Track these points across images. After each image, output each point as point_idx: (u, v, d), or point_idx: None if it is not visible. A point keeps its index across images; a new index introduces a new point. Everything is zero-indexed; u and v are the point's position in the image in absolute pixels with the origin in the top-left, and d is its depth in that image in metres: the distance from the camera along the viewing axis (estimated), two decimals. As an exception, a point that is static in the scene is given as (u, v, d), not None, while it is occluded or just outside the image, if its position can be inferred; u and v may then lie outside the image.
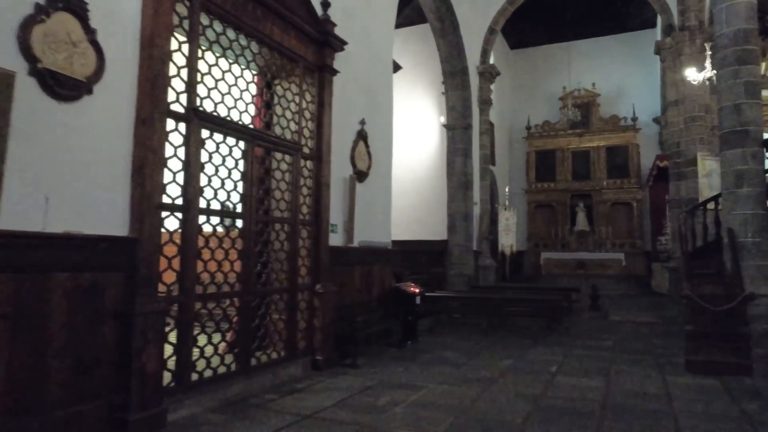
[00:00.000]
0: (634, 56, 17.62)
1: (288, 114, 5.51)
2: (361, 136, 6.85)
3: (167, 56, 3.91)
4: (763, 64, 11.95)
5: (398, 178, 13.14)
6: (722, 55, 6.51)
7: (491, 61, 13.31)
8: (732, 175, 6.31)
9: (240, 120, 4.86)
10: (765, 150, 6.29)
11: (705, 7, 10.21)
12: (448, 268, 11.88)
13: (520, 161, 18.66)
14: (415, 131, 13.14)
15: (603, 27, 17.31)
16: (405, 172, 13.09)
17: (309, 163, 5.77)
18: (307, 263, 5.66)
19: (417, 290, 7.52)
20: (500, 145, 17.50)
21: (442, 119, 12.56)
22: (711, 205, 7.78)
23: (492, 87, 13.27)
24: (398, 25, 13.53)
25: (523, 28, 17.45)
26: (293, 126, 5.57)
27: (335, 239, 6.24)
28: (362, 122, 6.89)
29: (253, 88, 5.31)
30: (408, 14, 13.07)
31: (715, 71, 9.03)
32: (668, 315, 10.13)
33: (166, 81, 3.89)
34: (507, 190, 14.46)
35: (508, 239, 13.19)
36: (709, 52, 8.94)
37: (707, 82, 10.06)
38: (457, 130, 12.17)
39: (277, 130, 5.44)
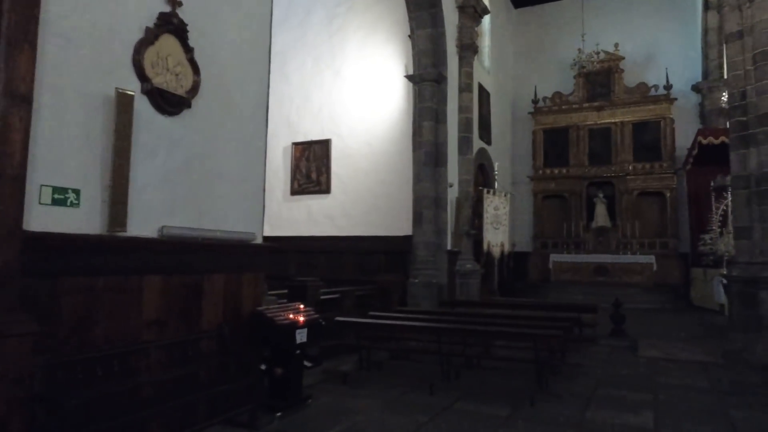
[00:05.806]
0: (666, 10, 14.22)
1: None
2: (170, 25, 3.57)
3: None
4: None
5: (353, 153, 9.96)
6: None
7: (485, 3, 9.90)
8: None
9: None
10: None
11: None
12: (410, 274, 8.50)
13: (525, 142, 15.24)
14: (375, 91, 9.83)
15: (627, -27, 13.91)
16: (361, 145, 9.80)
17: (-38, 43, 2.53)
18: (-63, 272, 2.41)
19: (301, 318, 4.23)
20: (500, 122, 14.06)
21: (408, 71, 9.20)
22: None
23: (478, 30, 9.84)
24: (352, -51, 10.25)
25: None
26: None
27: (70, 219, 2.99)
28: (175, 1, 3.63)
29: None
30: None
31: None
32: (732, 348, 6.69)
33: None
34: (496, 167, 10.93)
35: (498, 236, 9.73)
36: None
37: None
38: (425, 83, 8.75)
39: None
